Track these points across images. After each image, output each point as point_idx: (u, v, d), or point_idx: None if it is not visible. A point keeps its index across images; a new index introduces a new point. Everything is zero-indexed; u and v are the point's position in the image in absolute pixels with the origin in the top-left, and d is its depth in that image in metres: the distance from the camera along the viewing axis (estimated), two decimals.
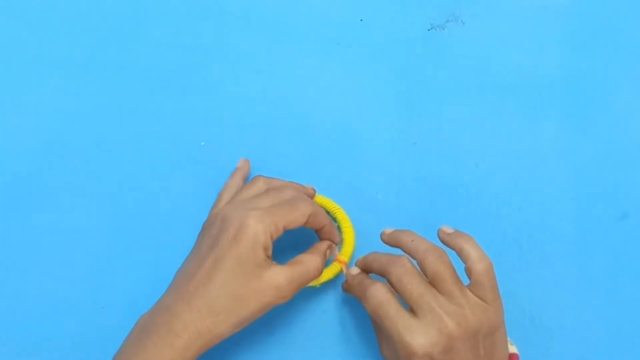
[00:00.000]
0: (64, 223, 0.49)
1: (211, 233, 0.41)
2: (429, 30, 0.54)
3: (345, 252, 0.47)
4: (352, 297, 0.46)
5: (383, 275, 0.42)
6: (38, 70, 0.53)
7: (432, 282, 0.40)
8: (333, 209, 0.48)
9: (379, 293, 0.40)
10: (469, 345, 0.38)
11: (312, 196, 0.46)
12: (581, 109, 0.53)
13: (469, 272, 0.40)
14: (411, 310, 0.39)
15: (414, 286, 0.39)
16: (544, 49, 0.54)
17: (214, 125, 0.52)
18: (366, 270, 0.44)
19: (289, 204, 0.41)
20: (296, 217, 0.41)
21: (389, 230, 0.44)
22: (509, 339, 0.42)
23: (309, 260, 0.42)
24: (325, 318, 0.48)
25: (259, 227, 0.39)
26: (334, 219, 0.48)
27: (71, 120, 0.52)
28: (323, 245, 0.45)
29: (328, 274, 0.46)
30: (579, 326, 0.48)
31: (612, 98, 0.53)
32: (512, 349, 0.42)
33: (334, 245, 0.46)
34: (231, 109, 0.53)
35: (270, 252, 0.41)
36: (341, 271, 0.46)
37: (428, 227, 0.46)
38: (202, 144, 0.51)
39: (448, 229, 0.42)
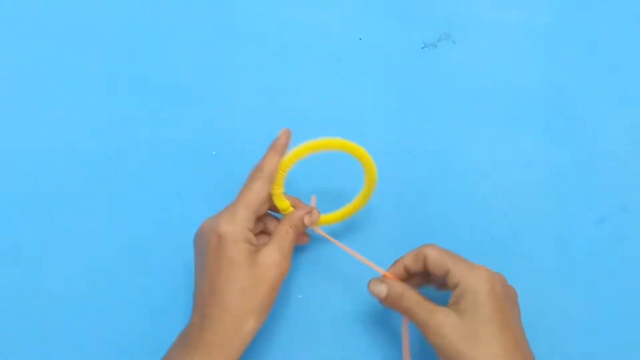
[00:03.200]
0: (85, 226, 0.50)
1: (199, 250, 0.43)
2: (422, 48, 0.55)
3: (364, 194, 0.46)
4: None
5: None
6: (66, 85, 0.54)
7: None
8: (350, 149, 0.44)
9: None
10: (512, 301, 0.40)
11: (282, 145, 0.44)
12: (562, 121, 0.54)
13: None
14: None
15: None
16: (527, 66, 0.55)
17: (225, 136, 0.53)
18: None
19: (245, 189, 0.42)
20: (254, 195, 0.42)
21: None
22: None
23: (279, 226, 0.43)
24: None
25: (231, 228, 0.40)
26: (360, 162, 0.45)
27: (93, 131, 0.53)
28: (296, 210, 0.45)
29: (331, 217, 0.46)
30: (560, 322, 0.48)
31: (589, 110, 0.54)
32: None
33: (316, 213, 0.45)
34: (240, 120, 0.53)
35: (254, 241, 0.42)
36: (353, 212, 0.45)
37: (421, 228, 0.48)
38: (214, 152, 0.53)
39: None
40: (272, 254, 0.41)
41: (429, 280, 0.44)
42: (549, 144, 0.53)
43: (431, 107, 0.54)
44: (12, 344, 0.47)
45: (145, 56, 0.55)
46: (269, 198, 0.43)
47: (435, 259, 0.41)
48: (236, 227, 0.40)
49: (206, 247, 0.41)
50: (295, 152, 0.43)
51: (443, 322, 0.39)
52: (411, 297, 0.41)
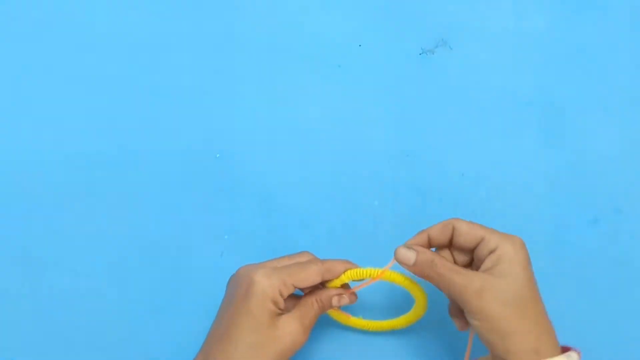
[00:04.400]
0: (90, 228, 0.51)
1: (228, 292, 0.42)
2: (420, 54, 0.55)
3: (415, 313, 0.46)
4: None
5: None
6: (73, 87, 0.54)
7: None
8: (403, 283, 0.43)
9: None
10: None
11: (337, 271, 0.43)
12: (555, 125, 0.54)
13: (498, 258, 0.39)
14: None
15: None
16: (523, 71, 0.55)
17: (227, 140, 0.53)
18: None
19: (299, 265, 0.42)
20: (305, 276, 0.41)
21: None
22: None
23: (306, 297, 0.43)
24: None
25: (265, 282, 0.40)
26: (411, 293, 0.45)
27: (98, 133, 0.53)
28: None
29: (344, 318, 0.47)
30: (554, 322, 0.45)
31: (582, 115, 0.54)
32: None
33: (350, 299, 0.45)
34: (242, 124, 0.54)
35: (281, 306, 0.41)
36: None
37: (420, 229, 0.46)
38: (217, 155, 0.53)
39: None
40: (292, 322, 0.41)
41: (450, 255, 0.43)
42: (543, 147, 0.53)
43: (429, 111, 0.54)
44: (24, 343, 0.49)
45: (149, 60, 0.55)
46: (312, 284, 0.43)
47: (465, 229, 0.40)
48: (270, 284, 0.40)
49: (234, 291, 0.41)
50: (354, 273, 0.43)
51: (482, 285, 0.38)
52: (443, 263, 0.40)
